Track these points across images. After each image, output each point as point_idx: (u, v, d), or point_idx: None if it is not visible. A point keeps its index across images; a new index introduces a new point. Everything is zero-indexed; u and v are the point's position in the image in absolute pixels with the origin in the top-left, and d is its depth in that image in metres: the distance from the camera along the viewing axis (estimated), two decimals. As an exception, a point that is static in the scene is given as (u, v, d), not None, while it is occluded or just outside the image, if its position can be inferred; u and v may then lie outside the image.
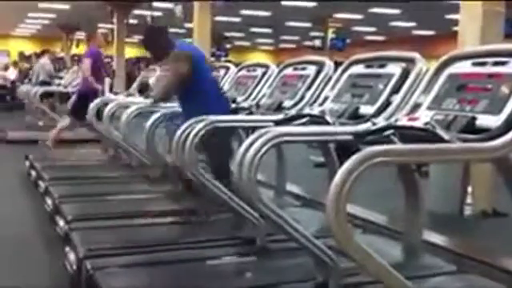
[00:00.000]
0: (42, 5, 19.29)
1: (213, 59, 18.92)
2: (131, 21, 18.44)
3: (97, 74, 7.57)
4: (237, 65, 5.46)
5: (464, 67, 2.79)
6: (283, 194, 4.94)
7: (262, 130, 2.66)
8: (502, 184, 2.60)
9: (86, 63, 7.55)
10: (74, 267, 3.48)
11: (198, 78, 4.30)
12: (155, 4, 17.48)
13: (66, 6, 19.34)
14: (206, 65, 4.55)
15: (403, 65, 3.12)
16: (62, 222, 4.36)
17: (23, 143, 9.18)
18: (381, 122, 2.83)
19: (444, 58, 2.88)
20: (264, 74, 4.55)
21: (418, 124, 2.58)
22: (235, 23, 22.93)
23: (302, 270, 3.16)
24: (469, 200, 5.56)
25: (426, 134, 2.50)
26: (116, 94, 7.74)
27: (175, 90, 4.40)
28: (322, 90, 3.65)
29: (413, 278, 2.45)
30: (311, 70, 3.93)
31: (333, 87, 3.50)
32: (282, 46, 33.38)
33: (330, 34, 20.42)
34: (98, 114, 5.87)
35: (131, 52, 23.98)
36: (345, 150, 2.90)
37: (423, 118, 2.62)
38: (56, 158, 7.47)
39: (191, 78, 4.27)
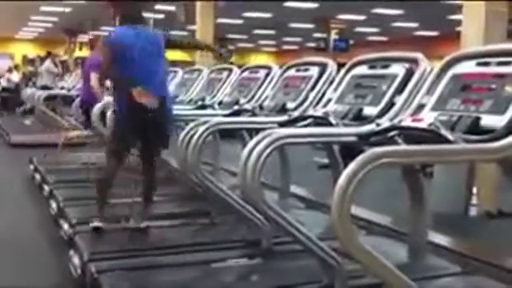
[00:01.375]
0: (44, 8, 19.31)
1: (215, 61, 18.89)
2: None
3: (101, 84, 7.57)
4: (239, 66, 5.45)
5: (468, 67, 2.78)
6: (287, 195, 4.93)
7: (266, 132, 2.66)
8: (506, 184, 2.59)
9: (94, 78, 7.45)
10: (79, 271, 3.48)
11: (118, 66, 4.16)
12: (157, 6, 17.48)
13: (68, 9, 19.36)
14: (134, 53, 4.14)
15: (407, 65, 3.11)
16: (66, 226, 4.36)
17: (27, 146, 9.20)
18: (385, 122, 2.83)
19: (448, 58, 2.87)
20: (267, 75, 4.54)
21: (423, 125, 2.57)
22: (238, 25, 22.93)
23: (307, 273, 3.15)
24: (474, 201, 5.55)
25: (430, 135, 2.49)
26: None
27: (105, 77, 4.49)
28: (326, 91, 3.64)
29: (418, 279, 2.44)
30: (314, 71, 3.93)
31: (336, 88, 3.49)
32: (285, 47, 33.36)
33: (333, 35, 20.39)
34: (102, 116, 5.87)
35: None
36: (349, 151, 2.90)
37: (427, 118, 2.61)
38: (60, 162, 7.47)
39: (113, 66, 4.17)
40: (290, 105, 3.84)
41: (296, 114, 3.52)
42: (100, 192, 4.25)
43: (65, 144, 8.09)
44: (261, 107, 4.18)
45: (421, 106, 2.82)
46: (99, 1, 16.96)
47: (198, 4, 11.88)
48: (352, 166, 2.05)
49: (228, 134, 5.15)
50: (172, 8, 15.94)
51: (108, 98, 6.76)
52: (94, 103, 6.44)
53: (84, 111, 7.48)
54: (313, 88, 3.79)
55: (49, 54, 13.17)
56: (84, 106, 7.52)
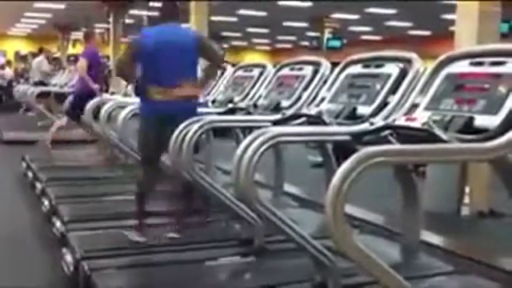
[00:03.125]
0: (37, 4, 19.23)
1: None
2: (127, 21, 18.39)
3: (92, 74, 7.55)
4: (233, 65, 5.45)
5: (461, 67, 2.79)
6: (281, 194, 4.94)
7: (260, 131, 2.66)
8: (499, 184, 2.60)
9: (82, 62, 7.53)
10: (72, 268, 3.47)
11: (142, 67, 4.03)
12: (152, 4, 17.45)
13: (61, 6, 19.29)
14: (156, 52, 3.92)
15: (400, 65, 3.12)
16: (58, 223, 4.35)
17: (19, 144, 9.16)
18: (378, 122, 2.83)
19: (441, 57, 2.88)
20: (261, 74, 4.54)
21: (416, 124, 2.58)
22: (232, 23, 22.91)
23: (300, 271, 3.15)
24: (466, 200, 5.57)
25: (423, 135, 2.50)
26: (113, 94, 7.73)
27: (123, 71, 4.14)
28: (319, 90, 3.65)
29: (411, 278, 2.44)
30: (308, 70, 3.93)
31: (330, 87, 3.50)
32: (279, 46, 33.34)
33: (327, 34, 20.41)
34: (95, 114, 5.86)
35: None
36: (342, 150, 2.90)
37: (421, 118, 2.62)
38: (53, 159, 7.45)
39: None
40: (284, 103, 3.85)
41: (290, 112, 3.52)
42: (137, 205, 3.99)
43: (56, 141, 8.09)
44: (255, 106, 4.19)
45: (414, 106, 2.82)
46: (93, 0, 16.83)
47: (192, 1, 11.86)
48: (346, 165, 2.05)
49: (221, 132, 5.15)
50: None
51: (105, 96, 6.78)
52: (89, 97, 6.44)
53: (77, 104, 7.44)
54: (306, 87, 3.80)
55: (41, 51, 13.09)
56: (79, 101, 7.49)
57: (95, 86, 7.38)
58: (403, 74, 3.05)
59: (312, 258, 2.87)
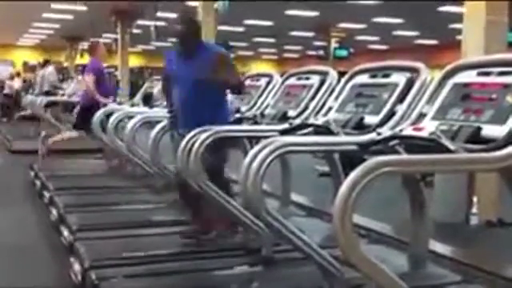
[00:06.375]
0: (46, 14, 19.34)
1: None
2: (135, 31, 18.50)
3: (100, 89, 7.50)
4: (241, 74, 5.47)
5: (469, 77, 2.79)
6: (288, 203, 4.94)
7: (267, 140, 2.67)
8: (507, 194, 2.59)
9: (90, 79, 7.39)
10: (79, 277, 3.48)
11: None
12: (159, 14, 17.56)
13: (69, 16, 19.42)
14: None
15: (408, 74, 3.13)
16: (66, 232, 4.36)
17: (28, 153, 9.20)
18: (386, 132, 2.84)
19: (449, 67, 2.89)
20: (268, 83, 4.56)
21: (424, 134, 2.58)
22: (238, 33, 22.98)
23: (307, 280, 3.15)
24: (474, 210, 5.54)
25: (431, 144, 2.50)
26: (120, 103, 7.74)
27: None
28: (326, 99, 3.65)
29: (419, 287, 2.44)
30: (315, 79, 3.94)
31: (337, 97, 3.51)
32: (286, 55, 33.40)
33: (334, 44, 20.45)
34: (103, 124, 5.89)
35: (135, 61, 24.01)
36: (350, 160, 2.90)
37: (428, 127, 2.62)
38: (61, 168, 7.48)
39: None
40: (291, 113, 3.86)
41: (297, 122, 3.53)
42: None
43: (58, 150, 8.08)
44: (262, 115, 4.20)
45: (421, 116, 2.83)
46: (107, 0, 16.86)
47: (200, 11, 11.92)
48: (354, 174, 2.06)
49: (229, 142, 5.15)
50: (173, 15, 16.00)
51: (112, 105, 6.80)
52: (96, 109, 6.46)
53: (84, 116, 7.46)
54: (314, 96, 3.81)
55: (46, 63, 13.15)
56: (84, 111, 7.52)
57: (109, 100, 7.33)
58: (410, 84, 3.05)
59: (319, 268, 2.87)
